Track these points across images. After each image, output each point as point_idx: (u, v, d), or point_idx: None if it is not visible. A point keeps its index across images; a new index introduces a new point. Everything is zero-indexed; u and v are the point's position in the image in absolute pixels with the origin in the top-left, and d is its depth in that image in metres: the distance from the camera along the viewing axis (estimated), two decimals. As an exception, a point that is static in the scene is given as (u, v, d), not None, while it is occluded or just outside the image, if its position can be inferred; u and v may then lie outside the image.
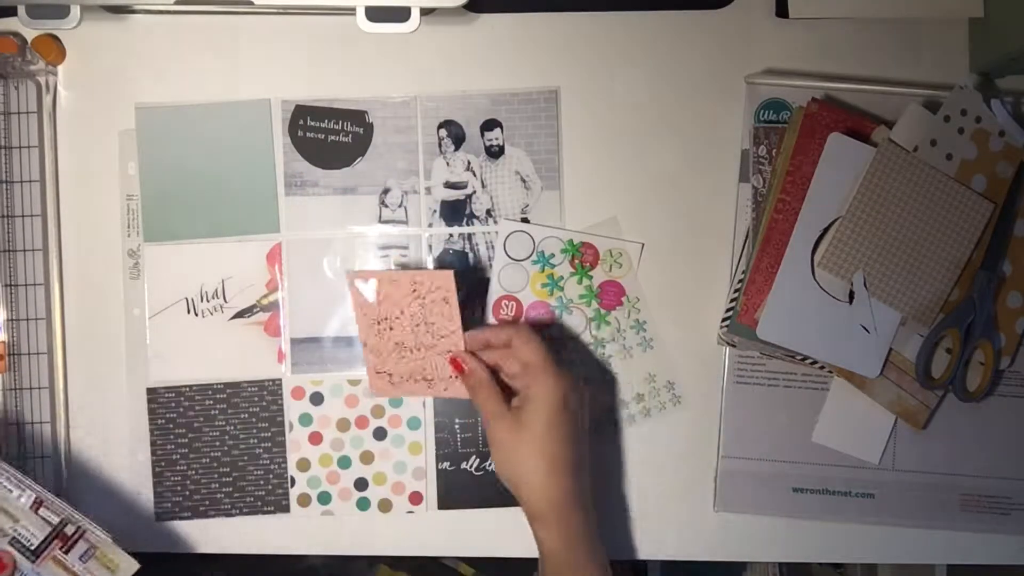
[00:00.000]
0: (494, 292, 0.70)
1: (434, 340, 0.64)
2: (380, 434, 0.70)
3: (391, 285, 0.63)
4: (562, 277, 0.70)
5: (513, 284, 0.70)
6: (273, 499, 0.70)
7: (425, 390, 0.66)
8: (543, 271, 0.70)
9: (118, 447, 0.70)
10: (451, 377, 0.65)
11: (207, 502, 0.70)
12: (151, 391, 0.70)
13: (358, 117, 0.70)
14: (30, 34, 0.68)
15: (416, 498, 0.70)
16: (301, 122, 0.70)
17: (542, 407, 0.60)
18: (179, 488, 0.70)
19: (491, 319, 0.70)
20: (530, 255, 0.70)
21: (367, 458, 0.70)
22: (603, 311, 0.70)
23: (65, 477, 0.69)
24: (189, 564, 0.73)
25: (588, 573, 0.59)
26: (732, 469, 0.70)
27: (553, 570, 0.60)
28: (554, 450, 0.60)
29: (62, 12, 0.64)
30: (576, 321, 0.70)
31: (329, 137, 0.70)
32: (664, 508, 0.70)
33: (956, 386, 0.67)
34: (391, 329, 0.64)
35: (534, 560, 0.62)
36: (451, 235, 0.71)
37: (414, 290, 0.63)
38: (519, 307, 0.70)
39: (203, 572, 0.78)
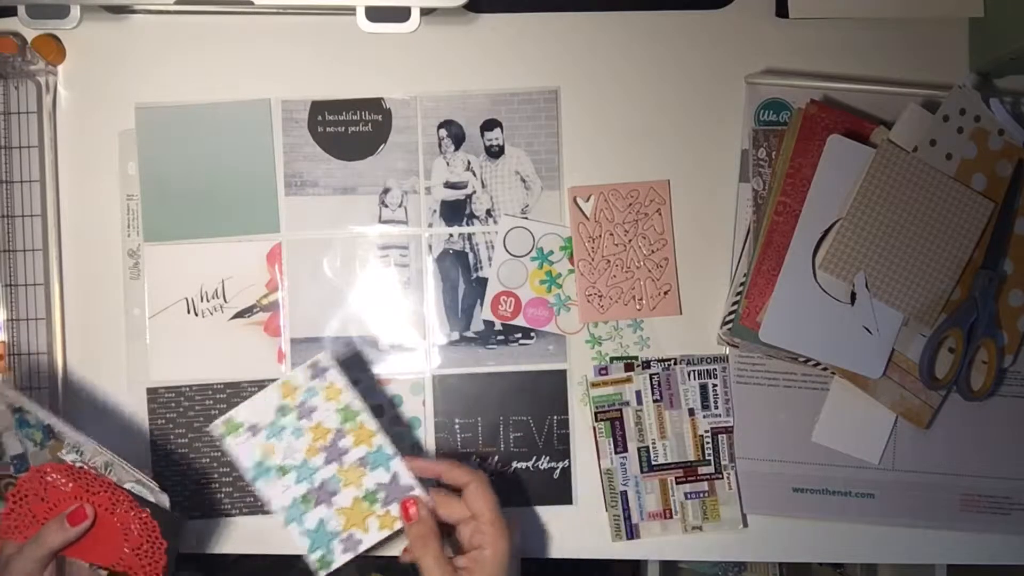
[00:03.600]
0: (493, 288, 0.70)
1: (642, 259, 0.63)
2: (380, 434, 0.70)
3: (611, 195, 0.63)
4: (560, 274, 0.70)
5: (512, 280, 0.70)
6: (273, 499, 0.70)
7: (634, 312, 0.67)
8: (542, 267, 0.70)
9: (118, 447, 0.70)
10: (661, 295, 0.65)
11: (207, 502, 0.70)
12: (151, 391, 0.70)
13: (374, 104, 0.70)
14: (30, 34, 0.68)
15: (416, 498, 0.70)
16: (319, 117, 0.70)
17: (494, 568, 0.59)
18: (179, 488, 0.69)
19: (490, 315, 0.70)
20: (529, 251, 0.70)
21: (367, 458, 0.70)
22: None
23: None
24: (182, 564, 0.73)
25: None
26: (743, 471, 0.69)
27: None
28: None
29: (62, 12, 0.64)
30: (573, 319, 0.70)
31: (349, 128, 0.70)
32: (664, 508, 0.70)
33: (960, 386, 0.67)
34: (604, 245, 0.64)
35: (533, 561, 0.62)
36: (451, 235, 0.71)
37: (630, 203, 0.62)
38: (517, 303, 0.70)
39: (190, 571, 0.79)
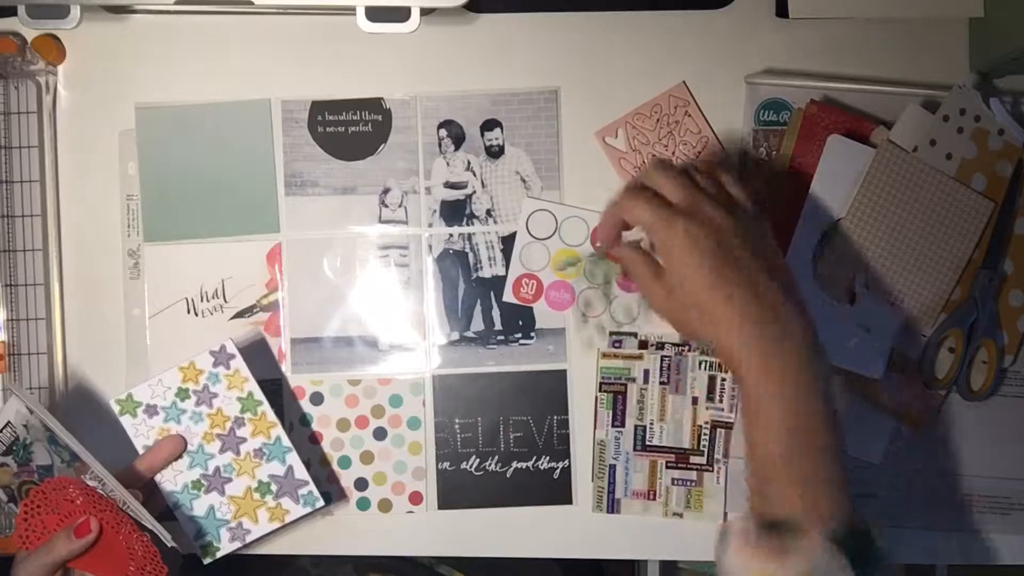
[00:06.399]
0: (515, 270, 0.70)
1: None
2: (380, 434, 0.70)
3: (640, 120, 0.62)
4: (583, 256, 0.70)
5: (534, 263, 0.70)
6: (273, 499, 0.70)
7: None
8: (564, 250, 0.70)
9: (118, 448, 0.70)
10: None
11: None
12: (151, 391, 0.70)
13: (374, 104, 0.70)
14: (30, 34, 0.68)
15: (416, 498, 0.70)
16: (319, 118, 0.70)
17: (669, 266, 0.56)
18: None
19: (512, 299, 0.70)
20: (552, 234, 0.70)
21: (367, 458, 0.70)
22: (622, 292, 0.70)
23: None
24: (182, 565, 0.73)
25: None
26: (733, 469, 0.69)
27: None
28: (700, 297, 0.54)
29: (62, 12, 0.64)
30: (598, 300, 0.70)
31: (349, 128, 0.70)
32: (664, 508, 0.70)
33: (960, 386, 0.67)
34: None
35: (532, 560, 0.62)
36: (451, 235, 0.71)
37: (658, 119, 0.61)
38: (539, 285, 0.70)
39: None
